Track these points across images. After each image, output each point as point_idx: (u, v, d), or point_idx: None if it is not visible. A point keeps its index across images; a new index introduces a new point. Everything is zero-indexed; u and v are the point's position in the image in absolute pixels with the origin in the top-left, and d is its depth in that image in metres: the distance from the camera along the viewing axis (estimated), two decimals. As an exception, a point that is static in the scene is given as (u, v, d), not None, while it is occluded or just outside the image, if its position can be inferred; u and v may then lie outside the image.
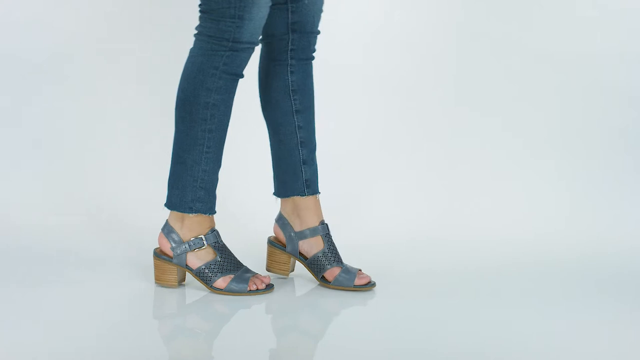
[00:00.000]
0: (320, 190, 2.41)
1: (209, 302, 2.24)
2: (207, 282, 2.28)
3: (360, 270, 2.36)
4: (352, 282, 2.34)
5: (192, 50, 2.29)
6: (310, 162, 2.39)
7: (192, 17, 3.12)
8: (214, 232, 2.30)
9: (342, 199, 2.85)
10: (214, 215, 2.32)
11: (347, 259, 2.43)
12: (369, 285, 2.34)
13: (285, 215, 2.40)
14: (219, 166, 2.30)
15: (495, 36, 3.11)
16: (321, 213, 2.39)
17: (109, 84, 3.09)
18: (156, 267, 2.31)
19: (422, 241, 2.73)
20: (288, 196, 2.39)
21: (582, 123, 3.07)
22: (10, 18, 3.06)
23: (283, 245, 2.41)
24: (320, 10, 2.38)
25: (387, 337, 2.07)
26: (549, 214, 2.88)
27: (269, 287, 2.30)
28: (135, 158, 3.04)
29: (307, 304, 2.32)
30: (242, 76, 2.27)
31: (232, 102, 2.28)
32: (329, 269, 2.35)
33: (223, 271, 2.28)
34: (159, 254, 2.31)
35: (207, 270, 2.28)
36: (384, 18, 3.12)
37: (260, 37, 2.30)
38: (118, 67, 3.10)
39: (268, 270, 2.43)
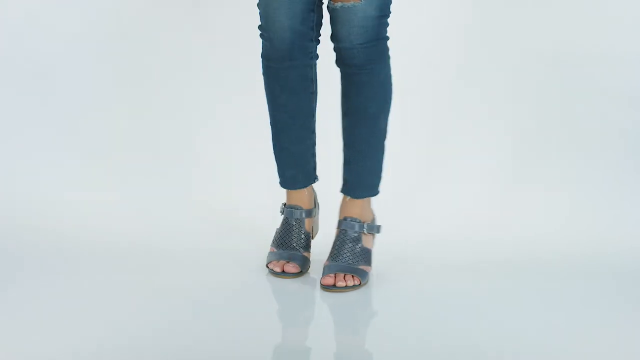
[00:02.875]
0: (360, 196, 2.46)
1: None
2: None
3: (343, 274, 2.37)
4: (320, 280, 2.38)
5: None
6: (351, 163, 2.44)
7: (192, 18, 3.14)
8: (291, 207, 2.46)
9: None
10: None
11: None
12: (333, 288, 2.33)
13: None
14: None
15: (494, 37, 3.12)
16: (348, 212, 2.45)
17: (110, 84, 3.10)
18: None
19: (422, 241, 2.73)
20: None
21: (582, 123, 3.08)
22: (9, 18, 3.07)
23: None
24: (357, 26, 2.32)
25: (386, 335, 2.07)
26: (548, 214, 2.88)
27: (283, 274, 2.40)
28: (137, 158, 3.04)
29: (307, 301, 2.33)
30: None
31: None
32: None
33: (273, 242, 2.47)
34: None
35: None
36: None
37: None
38: (118, 68, 3.11)
39: None
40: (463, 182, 3.01)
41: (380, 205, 2.54)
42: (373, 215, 2.48)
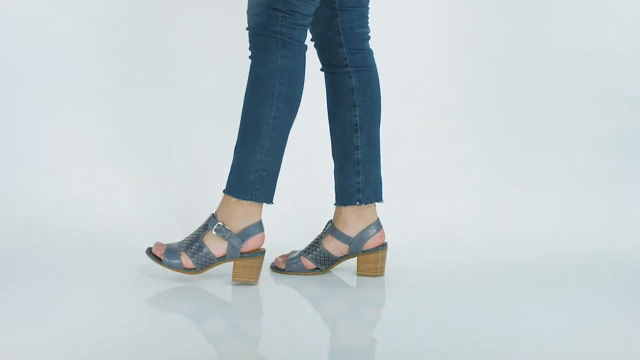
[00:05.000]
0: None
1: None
2: None
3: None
4: None
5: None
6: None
7: (192, 18, 3.13)
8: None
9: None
10: None
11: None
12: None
13: None
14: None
15: (493, 36, 3.12)
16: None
17: (110, 84, 3.09)
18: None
19: (423, 242, 2.73)
20: None
21: (580, 123, 3.09)
22: (9, 18, 3.06)
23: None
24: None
25: (386, 336, 2.07)
26: (547, 215, 2.89)
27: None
28: (138, 159, 3.04)
29: (312, 299, 2.34)
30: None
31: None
32: None
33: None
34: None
35: None
36: (385, 18, 3.12)
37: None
38: (119, 69, 3.11)
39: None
40: (462, 183, 3.01)
41: (380, 207, 2.55)
42: (230, 220, 2.35)
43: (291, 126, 2.35)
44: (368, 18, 2.50)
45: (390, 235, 2.58)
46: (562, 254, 2.67)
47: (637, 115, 3.08)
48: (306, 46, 2.35)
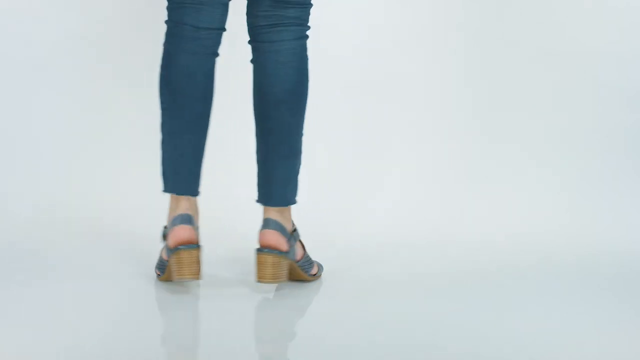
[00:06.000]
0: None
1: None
2: None
3: None
4: None
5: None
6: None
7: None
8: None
9: (342, 201, 2.87)
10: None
11: (351, 261, 2.53)
12: None
13: None
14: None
15: (492, 36, 3.12)
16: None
17: (110, 84, 3.10)
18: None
19: (420, 241, 2.74)
20: None
21: (581, 123, 3.08)
22: (9, 18, 3.07)
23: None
24: None
25: (385, 338, 2.07)
26: (548, 215, 2.89)
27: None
28: (136, 158, 3.05)
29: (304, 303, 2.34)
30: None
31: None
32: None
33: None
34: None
35: None
36: (383, 18, 3.12)
37: None
38: (120, 68, 3.11)
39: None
40: (461, 183, 3.01)
41: (377, 207, 2.55)
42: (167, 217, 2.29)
43: (186, 112, 2.19)
44: (267, 10, 2.26)
45: (390, 234, 2.59)
46: (563, 254, 2.67)
47: (639, 115, 3.08)
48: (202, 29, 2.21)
